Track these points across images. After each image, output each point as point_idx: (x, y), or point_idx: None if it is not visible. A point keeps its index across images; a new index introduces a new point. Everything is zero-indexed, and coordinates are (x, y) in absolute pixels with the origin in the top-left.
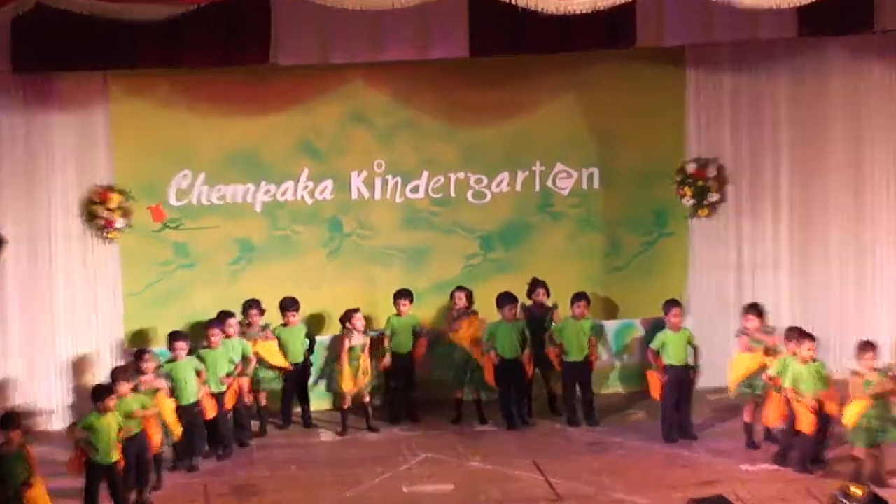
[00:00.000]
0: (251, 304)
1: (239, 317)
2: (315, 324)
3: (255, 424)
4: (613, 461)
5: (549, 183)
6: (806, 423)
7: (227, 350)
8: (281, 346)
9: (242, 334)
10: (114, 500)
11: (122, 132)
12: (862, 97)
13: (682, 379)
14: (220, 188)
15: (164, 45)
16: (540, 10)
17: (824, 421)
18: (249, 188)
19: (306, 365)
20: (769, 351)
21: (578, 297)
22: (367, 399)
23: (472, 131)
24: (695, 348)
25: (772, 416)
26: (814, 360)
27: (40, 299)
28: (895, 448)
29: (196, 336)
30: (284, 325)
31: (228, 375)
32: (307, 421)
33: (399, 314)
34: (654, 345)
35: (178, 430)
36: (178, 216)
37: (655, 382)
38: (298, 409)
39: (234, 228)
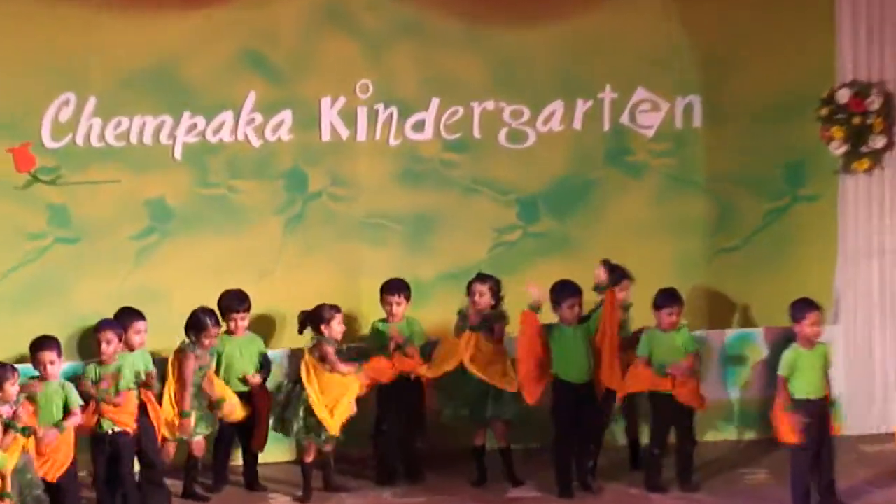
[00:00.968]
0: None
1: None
2: (264, 331)
3: (173, 485)
4: None
5: (625, 119)
6: None
7: (126, 368)
8: (220, 366)
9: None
10: None
11: None
12: None
13: (822, 420)
14: (119, 122)
15: None
16: None
17: None
18: (164, 122)
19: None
20: None
21: (668, 297)
22: (328, 447)
23: (506, 37)
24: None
25: None
26: None
27: None
28: None
29: (84, 348)
30: (228, 332)
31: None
32: (251, 480)
33: (390, 317)
34: (783, 370)
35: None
36: (56, 164)
37: (787, 425)
38: (240, 462)
39: (140, 184)
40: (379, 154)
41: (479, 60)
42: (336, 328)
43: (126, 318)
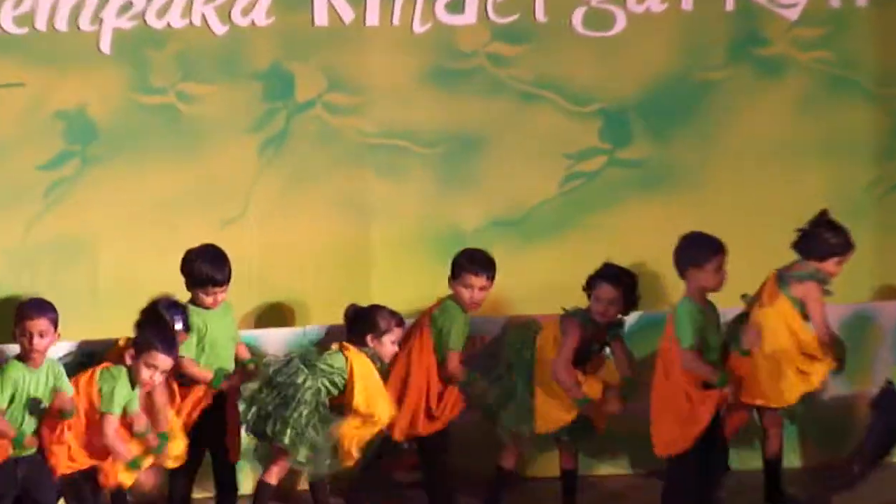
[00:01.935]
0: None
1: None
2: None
3: None
4: None
5: None
6: None
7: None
8: (202, 349)
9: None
10: None
11: None
12: None
13: None
14: None
15: None
16: None
17: None
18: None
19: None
20: None
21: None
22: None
23: None
24: None
25: None
26: None
27: None
28: None
29: None
30: (201, 306)
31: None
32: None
33: (467, 305)
34: None
35: None
36: None
37: None
38: (208, 495)
39: (51, 89)
40: (398, 45)
41: None
42: (388, 347)
43: (32, 311)
